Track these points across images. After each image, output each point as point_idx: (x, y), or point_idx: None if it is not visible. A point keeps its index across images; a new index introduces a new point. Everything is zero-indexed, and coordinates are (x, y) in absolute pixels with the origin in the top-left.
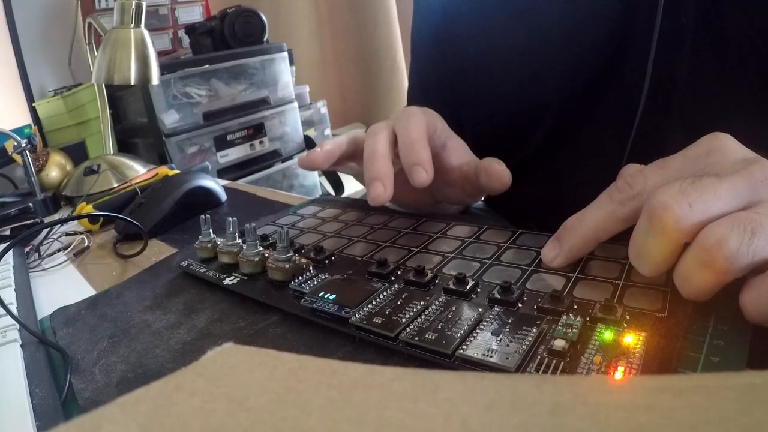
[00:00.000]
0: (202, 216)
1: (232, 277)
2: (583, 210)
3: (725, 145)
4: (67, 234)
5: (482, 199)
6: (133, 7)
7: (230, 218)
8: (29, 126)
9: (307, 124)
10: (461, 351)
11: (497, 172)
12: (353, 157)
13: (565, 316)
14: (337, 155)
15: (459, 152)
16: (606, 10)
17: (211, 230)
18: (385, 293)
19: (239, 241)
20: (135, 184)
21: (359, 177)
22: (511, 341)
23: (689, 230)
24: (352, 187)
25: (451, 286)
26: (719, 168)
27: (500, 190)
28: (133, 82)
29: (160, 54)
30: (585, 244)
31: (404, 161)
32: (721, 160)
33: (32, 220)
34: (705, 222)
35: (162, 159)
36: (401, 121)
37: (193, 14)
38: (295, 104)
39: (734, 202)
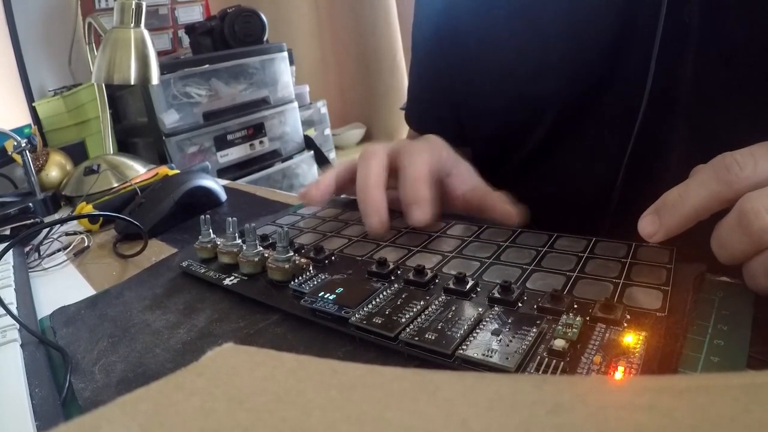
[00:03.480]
0: (202, 216)
1: (232, 277)
2: (684, 185)
3: None
4: (67, 234)
5: None
6: (133, 6)
7: (230, 218)
8: (29, 126)
9: (307, 123)
10: (461, 351)
11: (505, 213)
12: (351, 183)
13: (565, 316)
14: (332, 189)
15: (464, 179)
16: (608, 9)
17: (211, 230)
18: (384, 293)
19: (239, 241)
20: (135, 184)
21: None
22: (511, 341)
23: None
24: None
25: (451, 286)
26: None
27: (510, 226)
28: (133, 82)
29: (160, 54)
30: (686, 223)
31: (402, 198)
32: None
33: (32, 220)
34: None
35: (162, 159)
36: (405, 153)
37: (193, 14)
38: (295, 104)
39: None
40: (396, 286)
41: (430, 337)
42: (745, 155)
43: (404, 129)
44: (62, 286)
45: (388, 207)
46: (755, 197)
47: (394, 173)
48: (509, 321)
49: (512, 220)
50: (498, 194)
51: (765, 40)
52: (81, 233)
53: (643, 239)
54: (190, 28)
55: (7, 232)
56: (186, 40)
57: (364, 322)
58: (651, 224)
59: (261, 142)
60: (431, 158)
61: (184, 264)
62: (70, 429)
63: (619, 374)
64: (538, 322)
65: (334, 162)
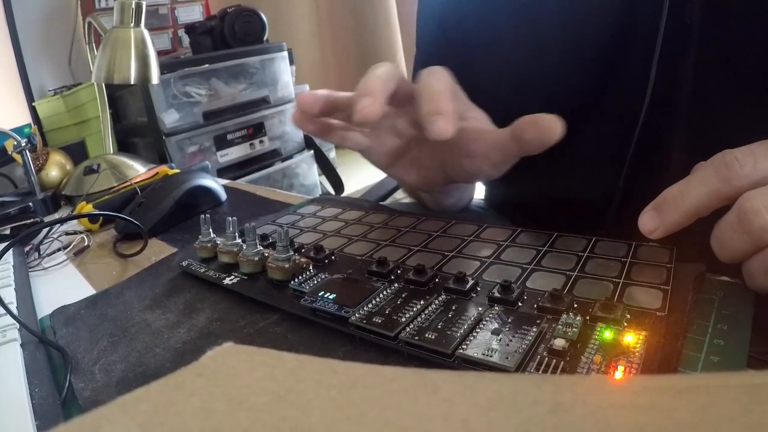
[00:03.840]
0: (202, 215)
1: (232, 277)
2: (685, 181)
3: None
4: (67, 233)
5: (482, 197)
6: (133, 6)
7: (230, 218)
8: (29, 125)
9: None
10: (461, 350)
11: (547, 121)
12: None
13: (565, 315)
14: (329, 99)
15: (482, 122)
16: (609, 10)
17: (211, 230)
18: (384, 292)
19: (239, 240)
20: (135, 183)
21: (344, 141)
22: (511, 340)
23: None
24: (352, 186)
25: (451, 285)
26: None
27: (549, 143)
28: (133, 82)
29: (160, 53)
30: (686, 220)
31: (423, 110)
32: None
33: (32, 220)
34: None
35: (162, 158)
36: (423, 73)
37: (193, 14)
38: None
39: None
40: (396, 285)
41: (430, 336)
42: (745, 153)
43: None
44: (62, 285)
45: (385, 97)
46: (755, 196)
47: (404, 102)
48: (509, 320)
49: (557, 127)
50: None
51: (765, 40)
52: (81, 233)
53: (643, 238)
54: (190, 28)
55: (7, 232)
56: (186, 40)
57: (364, 321)
58: (651, 220)
59: (261, 142)
60: (453, 82)
61: (184, 263)
62: (70, 429)
63: (619, 374)
64: (538, 321)
65: (335, 162)
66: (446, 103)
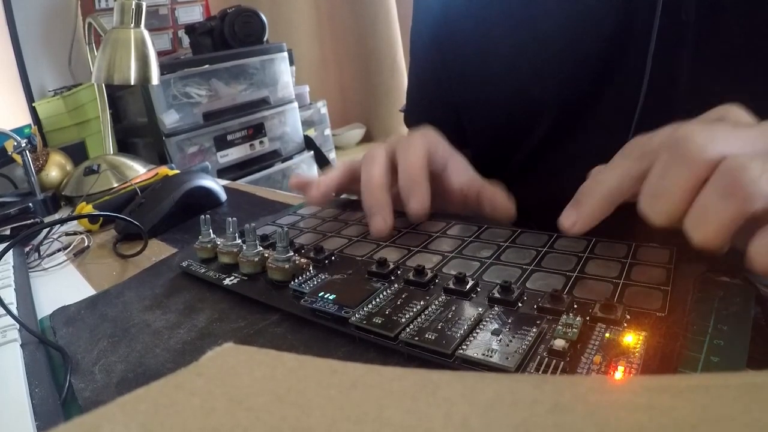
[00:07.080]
0: (202, 216)
1: (232, 277)
2: (598, 169)
3: (737, 113)
4: (67, 234)
5: None
6: (133, 7)
7: (230, 218)
8: (29, 126)
9: (307, 124)
10: (461, 351)
11: (504, 206)
12: (352, 184)
13: (565, 316)
14: (333, 189)
15: (460, 173)
16: (606, 12)
17: (210, 230)
18: (384, 293)
19: (239, 241)
20: (135, 184)
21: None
22: (511, 341)
23: (712, 159)
24: None
25: (451, 286)
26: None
27: (506, 222)
28: (133, 82)
29: (160, 54)
30: (603, 207)
31: (402, 190)
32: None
33: (32, 220)
34: (727, 155)
35: (162, 159)
36: (401, 148)
37: (193, 14)
38: (295, 104)
39: (756, 145)
40: (396, 286)
41: (430, 337)
42: (649, 135)
43: (404, 130)
44: (62, 286)
45: (392, 207)
46: (681, 128)
47: (396, 172)
48: (509, 321)
49: (510, 213)
50: (495, 187)
51: (762, 38)
52: (81, 233)
53: (643, 239)
54: (190, 28)
55: (7, 232)
56: (186, 40)
57: (364, 322)
58: (569, 216)
59: (261, 143)
60: (426, 149)
61: (184, 264)
62: (70, 429)
63: (619, 374)
64: (538, 322)
65: (334, 162)
66: (419, 180)
